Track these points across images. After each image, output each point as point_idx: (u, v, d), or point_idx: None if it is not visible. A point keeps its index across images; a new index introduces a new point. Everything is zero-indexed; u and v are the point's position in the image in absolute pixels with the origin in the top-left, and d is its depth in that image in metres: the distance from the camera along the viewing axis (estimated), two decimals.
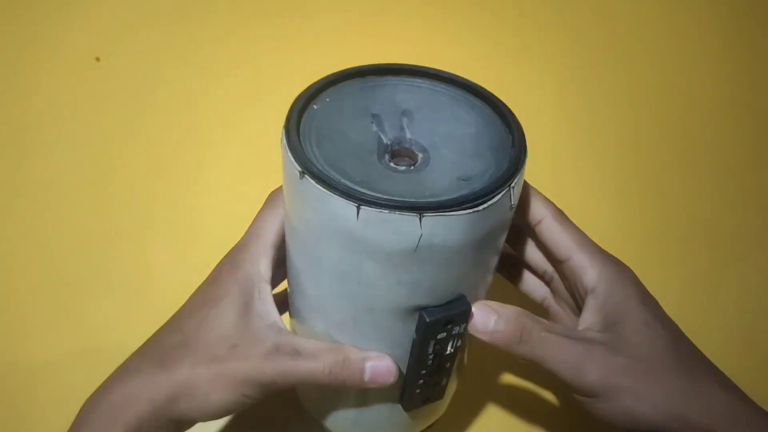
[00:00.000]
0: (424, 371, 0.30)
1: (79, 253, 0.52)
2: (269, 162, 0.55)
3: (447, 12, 0.68)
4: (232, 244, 0.51)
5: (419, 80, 0.32)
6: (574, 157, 0.59)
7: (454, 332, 0.29)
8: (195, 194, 0.56)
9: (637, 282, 0.33)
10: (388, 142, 0.29)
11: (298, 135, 0.27)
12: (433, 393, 0.33)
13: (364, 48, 0.64)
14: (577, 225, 0.33)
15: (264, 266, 0.30)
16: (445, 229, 0.25)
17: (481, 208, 0.25)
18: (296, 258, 0.30)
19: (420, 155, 0.28)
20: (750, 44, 0.67)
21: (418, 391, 0.32)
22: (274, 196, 0.32)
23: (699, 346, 0.50)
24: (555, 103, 0.62)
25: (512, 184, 0.26)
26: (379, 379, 0.29)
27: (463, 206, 0.24)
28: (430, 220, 0.24)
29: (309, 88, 0.30)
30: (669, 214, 0.56)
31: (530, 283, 0.37)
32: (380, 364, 0.29)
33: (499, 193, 0.25)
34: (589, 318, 0.31)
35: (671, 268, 0.54)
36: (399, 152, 0.29)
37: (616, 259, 0.33)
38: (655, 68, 0.65)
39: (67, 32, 0.63)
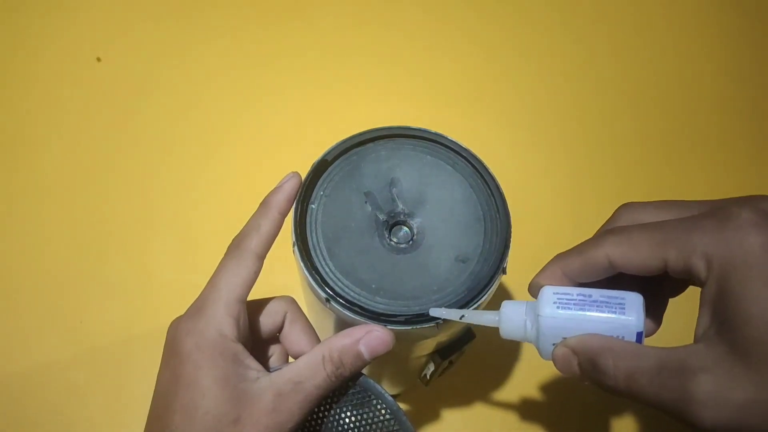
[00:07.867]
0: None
1: (78, 254, 0.52)
2: (269, 163, 0.55)
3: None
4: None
5: (397, 141, 0.33)
6: (573, 158, 0.59)
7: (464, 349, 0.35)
8: (195, 194, 0.56)
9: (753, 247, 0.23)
10: (385, 219, 0.31)
11: (308, 247, 0.30)
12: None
13: (362, 48, 0.64)
14: (580, 224, 0.32)
15: (227, 327, 0.28)
16: (454, 321, 0.29)
17: (483, 299, 0.29)
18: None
19: (415, 224, 0.31)
20: (751, 40, 0.67)
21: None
22: (236, 246, 0.30)
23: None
24: (556, 100, 0.62)
25: (503, 266, 0.30)
26: (378, 350, 0.28)
27: (469, 304, 0.29)
28: (444, 323, 0.29)
29: (303, 185, 0.31)
30: None
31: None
32: (371, 338, 0.28)
33: (494, 280, 0.30)
34: (701, 321, 0.24)
35: None
36: (396, 223, 0.32)
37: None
38: (654, 67, 0.65)
39: (67, 32, 0.63)
